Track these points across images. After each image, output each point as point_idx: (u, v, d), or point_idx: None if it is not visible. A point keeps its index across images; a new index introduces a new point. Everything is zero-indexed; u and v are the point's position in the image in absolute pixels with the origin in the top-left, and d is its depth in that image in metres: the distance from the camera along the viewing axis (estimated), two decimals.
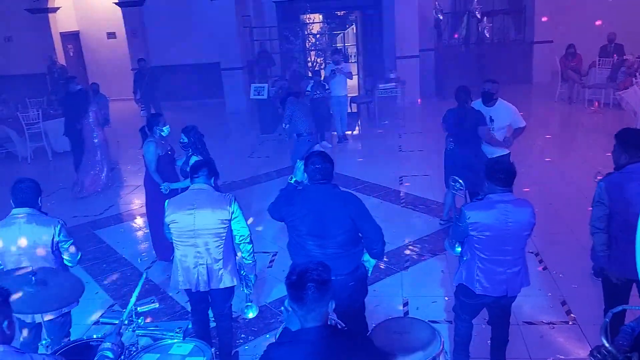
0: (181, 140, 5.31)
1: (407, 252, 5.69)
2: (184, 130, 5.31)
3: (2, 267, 3.52)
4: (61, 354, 2.92)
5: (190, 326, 2.91)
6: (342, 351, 2.07)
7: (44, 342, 3.03)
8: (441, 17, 13.49)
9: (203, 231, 3.59)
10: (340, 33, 19.50)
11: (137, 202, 7.96)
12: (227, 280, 3.69)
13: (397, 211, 6.86)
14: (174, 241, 3.69)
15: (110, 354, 2.49)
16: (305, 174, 3.47)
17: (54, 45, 15.21)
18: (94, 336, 3.06)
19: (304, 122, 7.86)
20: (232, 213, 3.63)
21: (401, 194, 7.39)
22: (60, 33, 15.63)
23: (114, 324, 2.72)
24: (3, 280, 2.71)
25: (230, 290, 3.79)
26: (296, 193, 3.55)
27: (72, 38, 16.30)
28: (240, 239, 3.72)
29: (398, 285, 5.06)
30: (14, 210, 3.52)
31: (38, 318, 3.41)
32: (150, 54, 15.02)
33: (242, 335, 4.39)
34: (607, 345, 2.06)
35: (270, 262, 5.65)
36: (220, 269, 3.65)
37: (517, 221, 3.23)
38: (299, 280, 2.11)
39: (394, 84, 12.16)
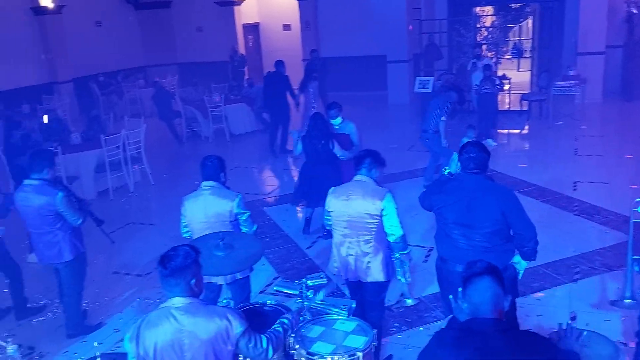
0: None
1: (578, 263, 5.29)
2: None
3: (190, 234, 4.00)
4: None
5: (353, 305, 3.04)
6: (513, 349, 2.02)
7: (224, 301, 3.37)
8: (635, 11, 12.11)
9: (354, 223, 3.60)
10: (514, 26, 18.51)
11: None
12: (376, 274, 3.64)
13: (569, 219, 6.38)
14: (332, 228, 3.80)
15: (286, 321, 2.74)
16: (459, 163, 3.44)
17: (237, 36, 16.60)
18: (267, 302, 3.34)
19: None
20: (383, 209, 3.53)
21: (574, 201, 6.86)
22: (243, 24, 17.01)
23: (288, 293, 2.96)
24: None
25: (380, 285, 3.72)
26: (447, 181, 3.54)
27: (252, 29, 17.65)
28: (392, 238, 3.62)
29: (565, 297, 4.74)
30: (203, 183, 3.98)
31: (221, 280, 3.83)
32: (321, 46, 15.66)
33: (395, 324, 4.46)
34: None
35: (426, 256, 5.64)
36: (368, 262, 3.62)
37: None
38: (478, 271, 2.12)
39: (572, 81, 11.27)
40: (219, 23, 16.60)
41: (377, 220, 3.56)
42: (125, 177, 8.42)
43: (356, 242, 3.63)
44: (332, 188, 3.80)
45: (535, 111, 11.70)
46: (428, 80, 11.33)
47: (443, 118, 7.29)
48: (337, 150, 5.97)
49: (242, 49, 16.43)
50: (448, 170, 3.64)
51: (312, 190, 6.10)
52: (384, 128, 11.61)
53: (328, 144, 5.97)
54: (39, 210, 4.26)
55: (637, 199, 4.45)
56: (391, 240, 3.63)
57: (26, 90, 12.83)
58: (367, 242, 3.60)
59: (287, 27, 17.24)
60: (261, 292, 5.12)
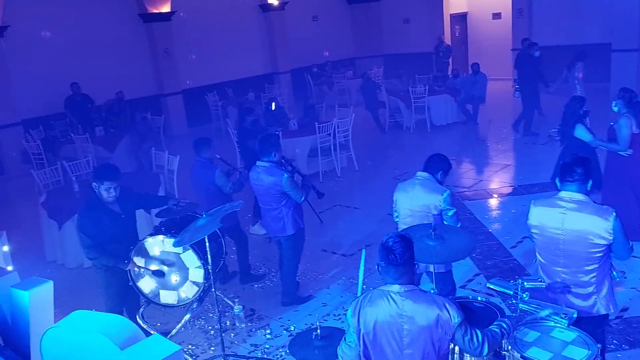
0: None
1: None
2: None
3: (398, 219, 4.16)
4: None
5: (575, 315, 2.88)
6: None
7: (431, 290, 3.45)
8: None
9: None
10: None
11: (501, 181, 8.19)
12: (600, 309, 3.16)
13: None
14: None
15: (505, 325, 2.72)
16: None
17: (443, 26, 16.40)
18: (479, 298, 3.33)
19: None
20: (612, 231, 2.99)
21: None
22: (450, 14, 16.74)
23: (503, 292, 2.93)
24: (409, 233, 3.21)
25: (600, 319, 3.23)
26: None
27: (460, 19, 17.27)
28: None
29: None
30: (418, 173, 4.13)
31: (429, 268, 3.92)
32: (535, 35, 14.65)
33: (615, 342, 4.09)
34: None
35: None
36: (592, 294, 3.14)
37: None
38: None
39: None
40: (426, 14, 16.60)
41: (602, 248, 3.03)
42: (333, 162, 9.00)
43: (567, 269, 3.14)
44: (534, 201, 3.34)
45: None
46: None
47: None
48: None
49: (448, 40, 16.21)
50: None
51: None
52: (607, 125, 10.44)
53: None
54: (268, 189, 4.82)
55: None
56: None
57: (252, 79, 14.45)
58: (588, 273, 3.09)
59: (497, 15, 16.51)
60: (461, 287, 5.10)
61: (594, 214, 3.00)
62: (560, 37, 14.13)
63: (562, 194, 3.12)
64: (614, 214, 2.97)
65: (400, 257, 2.45)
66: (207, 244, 3.95)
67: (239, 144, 7.87)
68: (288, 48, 15.47)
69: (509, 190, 7.80)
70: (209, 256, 4.02)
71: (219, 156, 5.65)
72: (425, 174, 4.08)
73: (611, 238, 2.96)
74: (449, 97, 11.67)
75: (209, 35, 13.69)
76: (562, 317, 2.86)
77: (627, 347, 4.03)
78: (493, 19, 16.67)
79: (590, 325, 3.08)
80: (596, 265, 3.04)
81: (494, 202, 7.45)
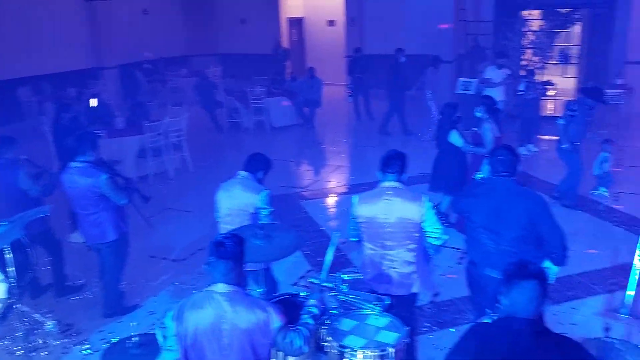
0: None
1: (615, 275, 5.16)
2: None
3: (219, 219, 4.10)
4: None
5: (387, 302, 3.06)
6: (547, 351, 2.03)
7: (259, 290, 3.42)
8: None
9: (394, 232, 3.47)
10: (561, 32, 18.02)
11: (335, 181, 8.55)
12: (415, 287, 3.53)
13: (608, 229, 6.25)
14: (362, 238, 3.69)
15: (315, 310, 2.77)
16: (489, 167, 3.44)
17: (280, 29, 16.68)
18: (301, 293, 3.39)
19: None
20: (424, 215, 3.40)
21: (615, 212, 6.69)
22: (287, 18, 17.10)
23: (325, 286, 3.01)
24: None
25: (413, 298, 3.62)
26: (478, 185, 3.57)
27: (296, 23, 17.73)
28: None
29: (599, 307, 4.64)
30: (239, 172, 4.17)
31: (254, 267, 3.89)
32: (365, 43, 15.57)
33: (427, 324, 4.46)
34: None
35: (460, 258, 5.60)
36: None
37: None
38: (520, 269, 2.15)
39: (619, 90, 10.98)
40: (263, 15, 16.72)
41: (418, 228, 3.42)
42: (165, 164, 8.61)
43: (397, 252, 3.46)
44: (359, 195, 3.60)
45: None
46: (471, 82, 11.18)
47: (561, 121, 6.66)
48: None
49: (285, 43, 16.51)
50: (480, 175, 3.65)
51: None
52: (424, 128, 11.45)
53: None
54: (84, 191, 4.41)
55: None
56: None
57: (73, 74, 13.22)
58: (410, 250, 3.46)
59: (331, 22, 17.23)
60: (294, 285, 5.19)
61: (411, 200, 3.38)
62: (390, 46, 15.14)
63: (385, 184, 3.45)
64: (427, 199, 3.40)
65: (231, 250, 2.44)
66: (11, 255, 3.49)
67: (55, 144, 7.14)
68: (115, 42, 14.42)
69: (342, 189, 8.16)
70: (11, 268, 3.56)
71: (25, 157, 5.05)
72: (245, 173, 4.11)
73: (425, 219, 3.38)
74: (287, 100, 11.90)
75: (22, 22, 12.24)
76: (376, 305, 3.01)
77: (437, 328, 4.42)
78: (328, 25, 17.37)
79: (405, 305, 3.43)
80: (415, 245, 3.44)
81: (328, 201, 7.74)
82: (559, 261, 3.33)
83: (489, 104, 6.15)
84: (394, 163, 3.44)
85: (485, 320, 2.30)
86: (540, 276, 2.14)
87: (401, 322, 2.98)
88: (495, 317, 2.24)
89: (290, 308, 3.21)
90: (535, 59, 13.83)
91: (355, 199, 3.55)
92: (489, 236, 3.32)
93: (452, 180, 6.11)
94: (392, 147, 4.20)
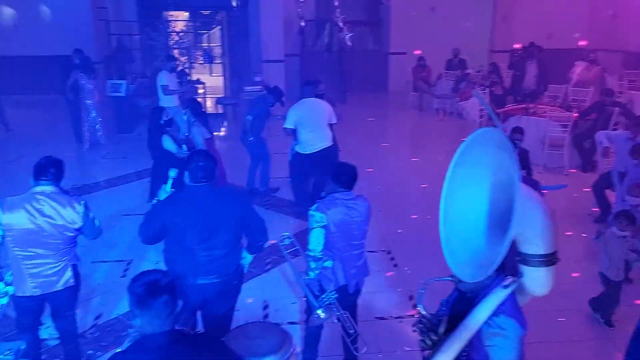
0: None
1: (269, 254, 5.71)
2: None
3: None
4: None
5: (23, 347, 2.65)
6: (190, 356, 2.05)
7: None
8: (303, 24, 13.83)
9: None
10: (206, 32, 19.12)
11: None
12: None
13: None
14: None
15: None
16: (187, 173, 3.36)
17: None
18: None
19: None
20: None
21: (266, 197, 7.42)
22: None
23: None
24: None
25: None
26: (176, 195, 3.45)
27: None
28: None
29: (259, 288, 5.07)
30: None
31: None
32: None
33: (90, 352, 4.10)
34: (423, 312, 2.38)
35: (125, 270, 5.36)
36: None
37: (361, 215, 3.48)
38: (149, 289, 2.05)
39: (259, 87, 12.23)
40: None
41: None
42: None
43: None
44: None
45: (230, 114, 12.34)
46: (121, 83, 10.85)
47: (249, 117, 7.12)
48: None
49: None
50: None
51: None
52: (70, 135, 10.52)
53: None
54: None
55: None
56: None
57: None
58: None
59: None
60: None
61: (67, 204, 3.37)
62: (19, 47, 13.43)
63: (38, 189, 3.36)
64: (84, 202, 3.45)
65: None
66: None
67: None
68: None
69: None
70: None
71: None
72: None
73: (82, 223, 3.41)
74: None
75: None
76: (6, 355, 2.58)
77: (102, 352, 4.10)
78: None
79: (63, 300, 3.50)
80: (67, 248, 3.45)
81: None
82: (260, 249, 3.55)
83: (194, 107, 6.12)
84: (48, 170, 3.38)
85: (118, 350, 2.17)
86: (171, 289, 2.10)
87: None
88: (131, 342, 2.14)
89: None
90: (183, 59, 14.31)
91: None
92: (203, 246, 3.22)
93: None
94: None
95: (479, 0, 14.75)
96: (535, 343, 3.27)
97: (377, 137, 10.79)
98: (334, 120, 6.69)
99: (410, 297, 4.87)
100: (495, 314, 2.11)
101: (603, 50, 12.78)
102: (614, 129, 8.08)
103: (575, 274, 5.18)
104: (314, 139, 6.47)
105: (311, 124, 6.47)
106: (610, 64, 12.64)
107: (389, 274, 5.31)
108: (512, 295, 2.17)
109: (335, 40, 14.32)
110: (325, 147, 6.49)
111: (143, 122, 11.32)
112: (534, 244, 2.19)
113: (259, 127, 7.31)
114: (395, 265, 5.49)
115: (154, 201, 3.58)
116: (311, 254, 3.44)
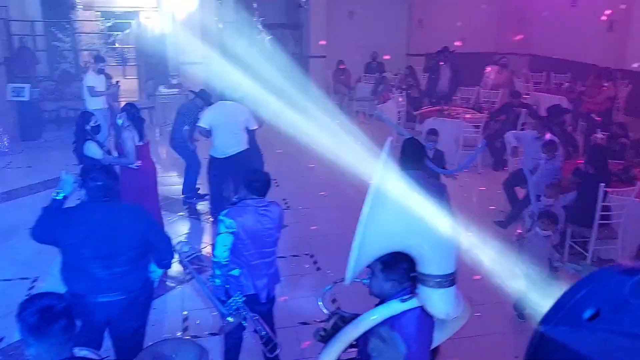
0: None
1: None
2: None
3: None
4: None
5: None
6: None
7: None
8: (221, 26, 13.59)
9: None
10: (118, 34, 18.33)
11: None
12: None
13: (180, 221, 6.68)
14: None
15: None
16: (84, 190, 3.16)
17: None
18: None
19: None
20: None
21: (185, 205, 7.19)
22: None
23: None
24: None
25: None
26: (71, 212, 3.19)
27: None
28: None
29: (178, 300, 4.88)
30: None
31: None
32: None
33: None
34: (323, 309, 2.47)
35: (29, 289, 4.98)
36: None
37: (273, 222, 3.41)
38: (44, 316, 1.87)
39: (176, 89, 11.91)
40: None
41: None
42: None
43: None
44: None
45: (147, 119, 11.85)
46: (24, 87, 10.16)
47: (186, 127, 6.99)
48: None
49: None
50: (63, 194, 3.25)
51: None
52: None
53: None
54: None
55: None
56: None
57: None
58: None
59: None
60: None
61: None
62: None
63: None
64: None
65: None
66: None
67: None
68: None
69: None
70: None
71: None
72: None
73: None
74: None
75: None
76: None
77: None
78: None
79: None
80: None
81: None
82: (169, 265, 3.43)
83: (131, 111, 5.73)
84: None
85: None
86: (68, 312, 1.95)
87: None
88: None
89: None
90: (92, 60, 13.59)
91: None
92: (102, 264, 3.05)
93: None
94: None
95: (395, 5, 15.12)
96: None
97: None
98: (253, 126, 6.56)
99: (334, 300, 4.85)
100: (382, 323, 2.06)
101: (511, 54, 13.52)
102: (522, 129, 8.52)
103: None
104: (226, 144, 6.30)
105: (224, 128, 6.31)
106: (517, 66, 13.41)
107: (313, 277, 5.28)
108: (416, 313, 2.05)
109: (255, 43, 14.18)
110: (238, 151, 6.32)
111: (50, 128, 10.71)
112: (434, 264, 2.00)
113: (190, 132, 7.14)
114: (319, 269, 5.46)
115: (59, 195, 3.27)
116: (216, 259, 3.36)
